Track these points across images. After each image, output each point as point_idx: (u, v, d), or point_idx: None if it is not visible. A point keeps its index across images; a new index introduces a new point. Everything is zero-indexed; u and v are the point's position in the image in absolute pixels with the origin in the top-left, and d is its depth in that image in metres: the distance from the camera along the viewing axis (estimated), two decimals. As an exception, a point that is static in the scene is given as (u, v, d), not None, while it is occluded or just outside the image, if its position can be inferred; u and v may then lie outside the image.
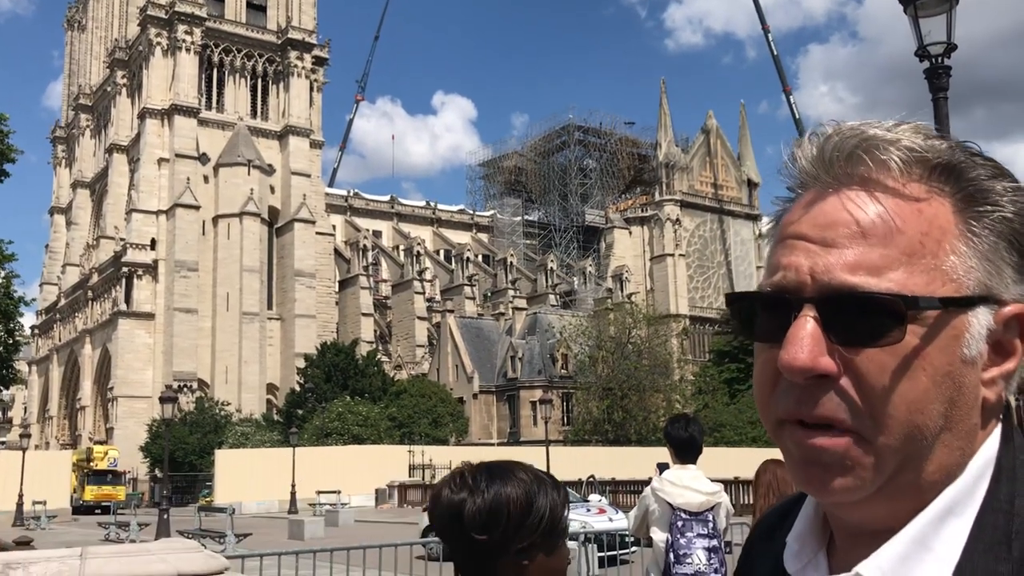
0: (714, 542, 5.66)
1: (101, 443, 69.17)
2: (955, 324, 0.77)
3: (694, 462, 5.87)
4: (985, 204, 0.78)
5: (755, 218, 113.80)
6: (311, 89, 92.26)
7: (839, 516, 0.83)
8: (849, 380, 0.76)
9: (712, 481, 5.89)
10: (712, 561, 5.58)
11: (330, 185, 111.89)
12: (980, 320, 0.77)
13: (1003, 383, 0.80)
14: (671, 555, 5.62)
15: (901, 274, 0.76)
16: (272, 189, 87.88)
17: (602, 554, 13.15)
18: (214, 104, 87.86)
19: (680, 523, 5.63)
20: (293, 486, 42.26)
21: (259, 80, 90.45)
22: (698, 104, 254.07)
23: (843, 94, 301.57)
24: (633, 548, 14.18)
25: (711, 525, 5.69)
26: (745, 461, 47.32)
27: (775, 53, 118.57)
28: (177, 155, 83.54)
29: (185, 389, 73.24)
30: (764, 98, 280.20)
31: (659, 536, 5.81)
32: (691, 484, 5.75)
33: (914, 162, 0.78)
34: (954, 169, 0.79)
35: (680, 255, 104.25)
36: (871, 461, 0.76)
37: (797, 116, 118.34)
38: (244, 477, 45.99)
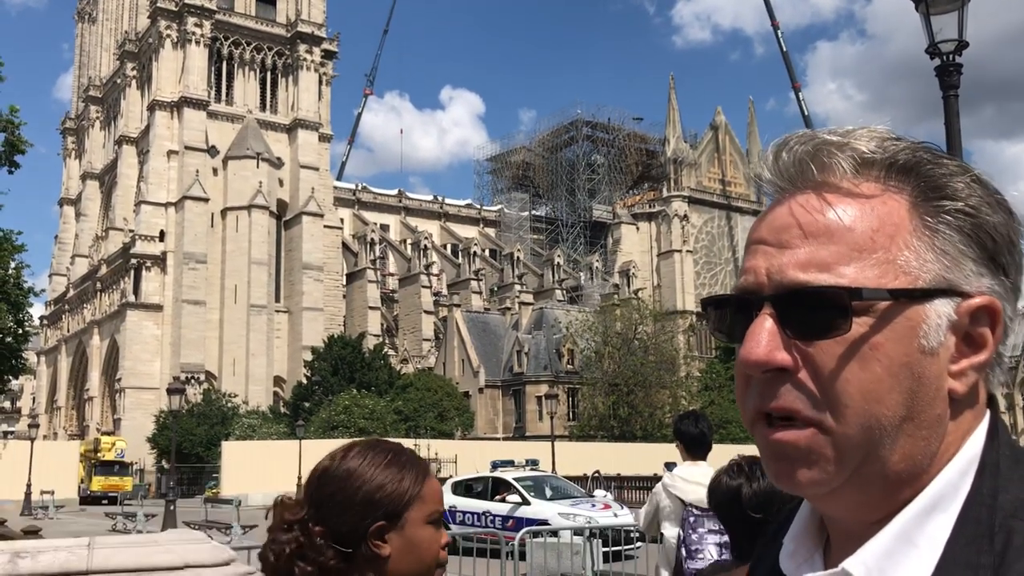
0: (725, 538, 5.40)
1: (109, 434, 69.41)
2: (909, 315, 0.78)
3: (704, 458, 5.90)
4: (941, 200, 0.80)
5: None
6: (320, 83, 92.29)
7: (825, 513, 0.85)
8: (806, 372, 0.79)
9: None
10: (724, 556, 5.50)
11: (338, 179, 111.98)
12: (940, 312, 0.79)
13: (975, 375, 0.81)
14: (683, 551, 5.63)
15: (852, 269, 0.78)
16: (281, 182, 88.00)
17: (607, 549, 13.18)
18: (223, 97, 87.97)
19: (692, 519, 5.65)
20: (299, 478, 42.33)
21: (268, 73, 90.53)
22: (706, 101, 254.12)
23: (851, 91, 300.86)
24: (638, 544, 14.19)
25: None
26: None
27: (784, 49, 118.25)
28: (186, 147, 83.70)
29: (192, 381, 73.45)
30: (772, 95, 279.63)
31: (670, 532, 5.86)
32: (702, 480, 5.55)
33: (865, 163, 0.81)
34: (910, 168, 0.81)
35: (687, 251, 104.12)
36: (832, 453, 0.78)
37: (806, 113, 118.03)
38: (250, 469, 46.13)
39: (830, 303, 0.78)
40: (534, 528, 13.05)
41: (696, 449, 5.86)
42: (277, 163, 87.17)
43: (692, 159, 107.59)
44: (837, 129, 0.84)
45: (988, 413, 0.83)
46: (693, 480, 5.75)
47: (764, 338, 0.80)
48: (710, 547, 5.58)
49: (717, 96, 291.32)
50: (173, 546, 5.32)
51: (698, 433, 5.85)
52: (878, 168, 0.81)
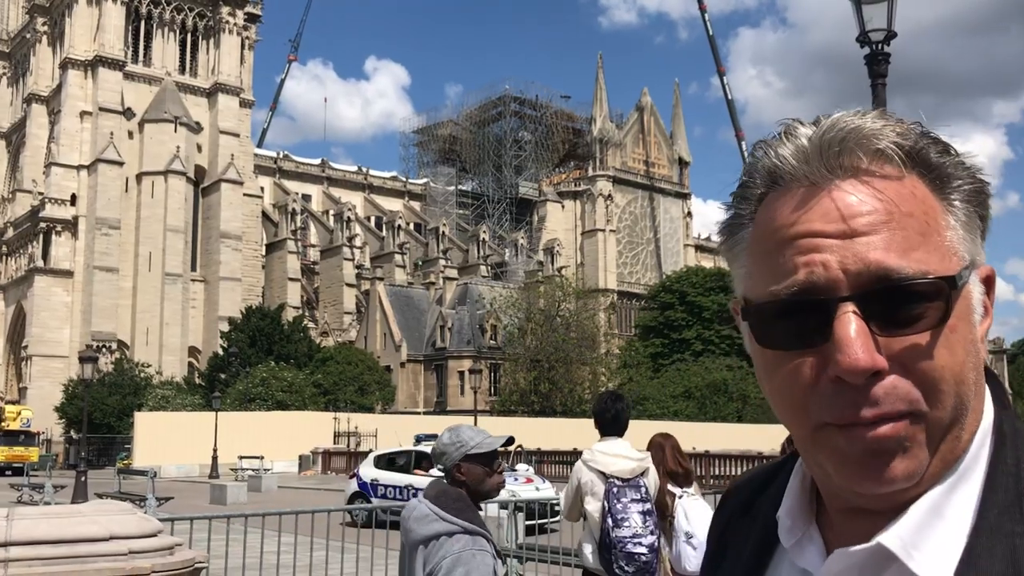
0: (647, 505, 5.95)
1: (13, 403, 67.27)
2: (966, 295, 0.79)
3: (620, 436, 6.12)
4: (954, 179, 0.81)
5: (685, 196, 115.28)
6: (242, 47, 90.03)
7: (867, 504, 0.81)
8: (898, 368, 0.77)
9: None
10: (648, 523, 5.86)
11: (259, 146, 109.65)
12: (977, 287, 0.81)
13: (984, 342, 0.83)
14: (608, 520, 5.84)
15: (922, 254, 0.77)
16: (199, 148, 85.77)
17: (529, 523, 13.30)
18: (141, 57, 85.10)
19: (615, 489, 5.87)
20: (215, 450, 41.72)
21: (188, 35, 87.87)
22: (631, 82, 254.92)
23: (771, 78, 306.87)
24: (558, 517, 14.37)
25: (643, 490, 5.97)
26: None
27: (711, 33, 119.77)
28: (101, 109, 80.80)
29: (104, 350, 71.49)
30: (694, 79, 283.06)
31: (593, 506, 6.02)
32: (622, 452, 6.01)
33: (895, 148, 0.80)
34: (921, 151, 0.81)
35: (611, 231, 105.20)
36: (926, 439, 0.77)
37: (730, 97, 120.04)
38: (164, 440, 45.25)
39: (926, 293, 0.76)
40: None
41: (611, 428, 6.09)
42: (196, 128, 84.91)
43: (618, 139, 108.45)
44: (851, 114, 0.81)
45: (988, 383, 0.85)
46: (612, 453, 5.98)
47: (862, 341, 0.76)
48: (634, 515, 5.83)
49: (642, 78, 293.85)
50: (98, 517, 5.17)
51: (614, 413, 6.08)
52: (896, 153, 0.80)
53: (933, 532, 0.78)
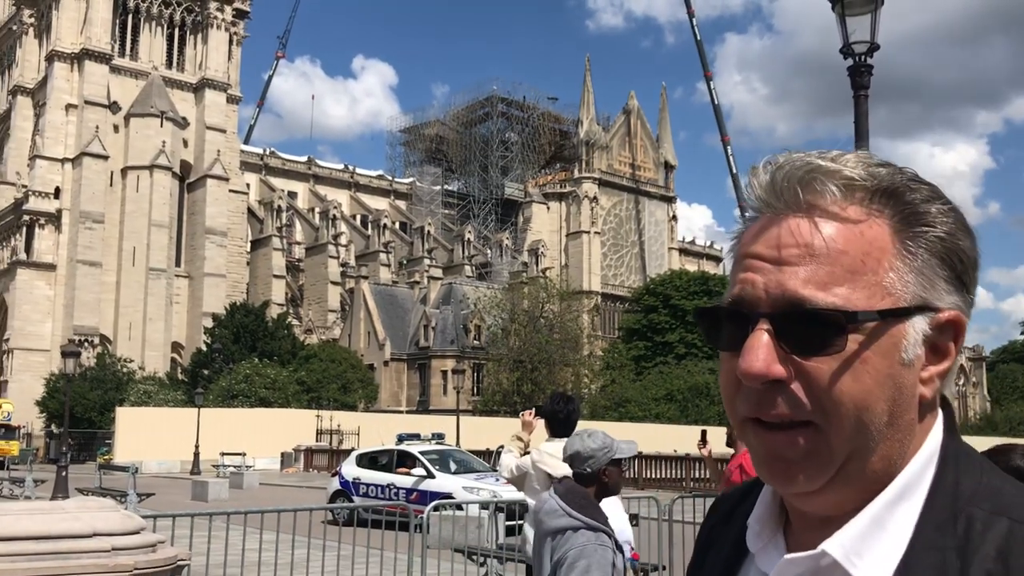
0: None
1: (-7, 396, 66.73)
2: (893, 332, 0.86)
3: (568, 436, 6.33)
4: (920, 225, 0.87)
5: (670, 200, 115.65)
6: (230, 42, 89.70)
7: (795, 505, 0.92)
8: (800, 384, 0.86)
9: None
10: None
11: (245, 142, 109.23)
12: (916, 328, 0.87)
13: (939, 381, 0.89)
14: None
15: (845, 289, 0.85)
16: (185, 143, 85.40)
17: (510, 523, 13.38)
18: (128, 51, 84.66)
19: None
20: (197, 447, 41.58)
21: (176, 29, 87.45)
22: (617, 86, 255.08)
23: (756, 84, 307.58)
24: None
25: None
26: (649, 437, 48.40)
27: (699, 38, 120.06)
28: (87, 102, 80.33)
29: (86, 344, 71.05)
30: (680, 84, 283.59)
31: (535, 504, 6.22)
32: None
33: (854, 188, 0.87)
34: (892, 193, 0.88)
35: (596, 233, 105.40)
36: (825, 455, 0.85)
37: (716, 103, 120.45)
38: (146, 436, 45.05)
39: (828, 322, 0.84)
40: (443, 501, 13.15)
41: (560, 428, 6.36)
42: (182, 123, 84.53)
43: (604, 142, 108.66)
44: (827, 153, 0.89)
45: (941, 411, 0.92)
46: (560, 456, 6.08)
47: (762, 352, 0.85)
48: None
49: (628, 81, 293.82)
50: (81, 513, 5.21)
51: (565, 415, 6.36)
52: (862, 192, 0.87)
53: (874, 543, 0.85)
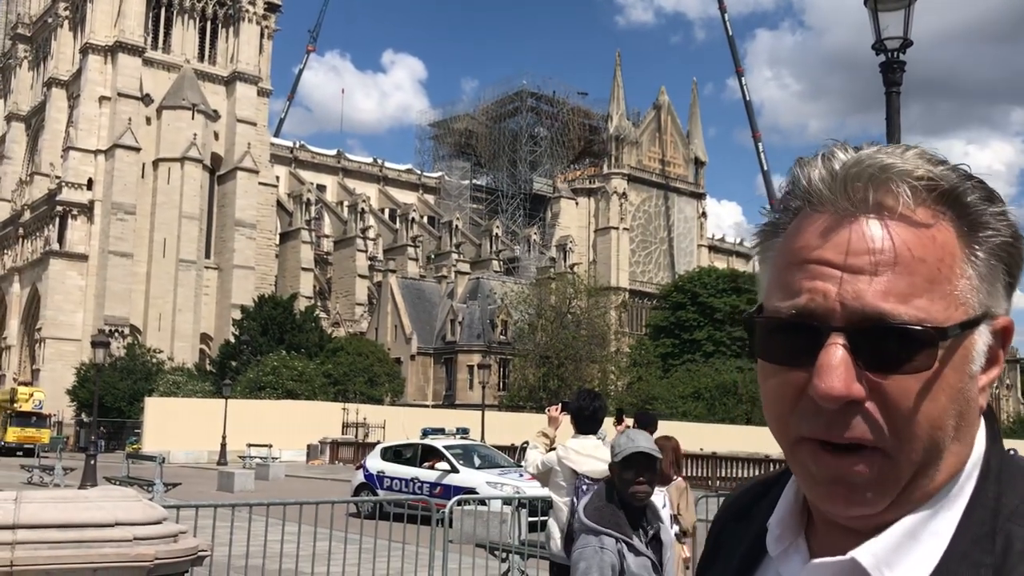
0: None
1: (26, 384, 67.69)
2: (966, 345, 0.81)
3: (594, 433, 6.47)
4: (986, 229, 0.82)
5: (700, 196, 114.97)
6: (261, 36, 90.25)
7: (836, 519, 0.85)
8: (875, 403, 0.79)
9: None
10: None
11: (276, 135, 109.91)
12: (983, 338, 0.82)
13: (989, 390, 0.85)
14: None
15: (925, 301, 0.79)
16: (216, 135, 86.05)
17: (532, 519, 13.34)
18: (160, 44, 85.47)
19: (584, 487, 6.16)
20: (224, 437, 41.91)
21: (208, 23, 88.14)
22: (646, 81, 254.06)
23: (788, 81, 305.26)
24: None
25: None
26: (676, 434, 48.18)
27: (730, 33, 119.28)
28: (119, 94, 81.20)
29: (117, 334, 71.89)
30: (710, 80, 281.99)
31: (560, 500, 6.44)
32: (594, 453, 6.32)
33: (925, 189, 0.81)
34: (956, 195, 0.82)
35: (624, 229, 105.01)
36: (893, 477, 0.80)
37: (748, 98, 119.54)
38: (173, 426, 45.46)
39: (916, 340, 0.78)
40: (466, 496, 13.15)
41: (587, 425, 6.42)
42: (213, 116, 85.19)
43: (634, 137, 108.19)
44: (889, 149, 0.83)
45: (984, 420, 0.87)
46: (585, 453, 6.31)
47: (841, 371, 0.78)
48: None
49: (657, 77, 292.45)
50: (103, 503, 5.24)
51: (591, 411, 6.39)
52: (928, 194, 0.82)
53: (906, 554, 0.81)
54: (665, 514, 6.47)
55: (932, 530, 0.82)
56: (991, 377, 0.84)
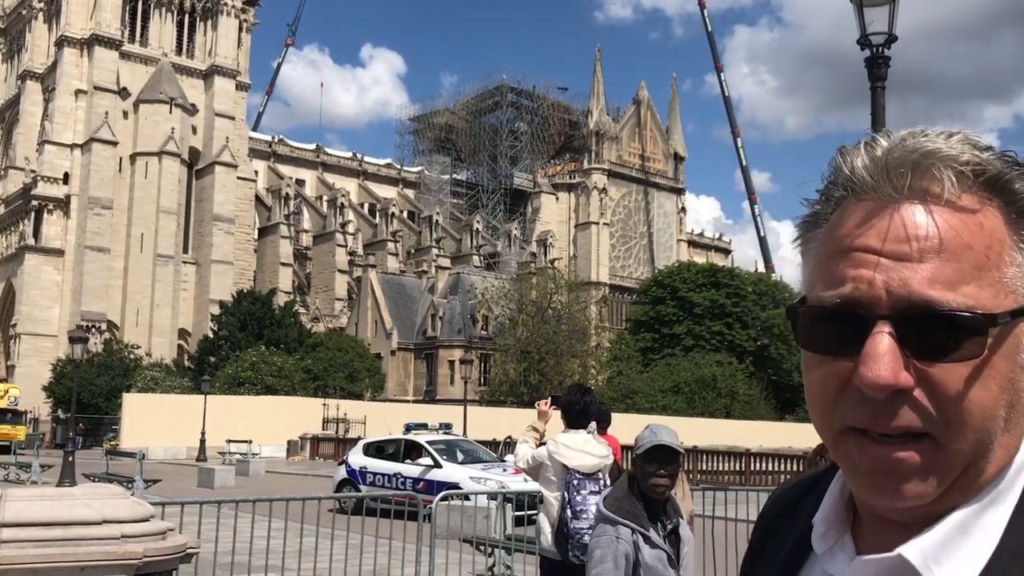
0: None
1: (1, 381, 66.97)
2: (1016, 333, 0.79)
3: (585, 428, 6.49)
4: None
5: (679, 191, 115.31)
6: (240, 29, 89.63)
7: (884, 513, 0.84)
8: (923, 392, 0.78)
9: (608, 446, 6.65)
10: None
11: (254, 130, 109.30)
12: None
13: None
14: (568, 511, 6.22)
15: (973, 288, 0.77)
16: (194, 129, 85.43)
17: (516, 513, 13.34)
18: (138, 37, 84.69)
19: (575, 482, 6.26)
20: (203, 434, 41.65)
21: (186, 16, 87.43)
22: (624, 77, 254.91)
23: (765, 77, 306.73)
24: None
25: (602, 482, 6.36)
26: (656, 429, 48.34)
27: (710, 29, 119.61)
28: (96, 88, 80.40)
29: (94, 330, 71.23)
30: (688, 76, 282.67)
31: (550, 495, 6.44)
32: (584, 448, 6.38)
33: (971, 175, 0.80)
34: (1003, 181, 0.80)
35: (604, 224, 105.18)
36: (943, 467, 0.79)
37: (727, 94, 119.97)
38: (152, 422, 45.14)
39: (964, 327, 0.77)
40: (451, 492, 13.12)
41: (578, 420, 6.46)
42: (191, 109, 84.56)
43: (614, 133, 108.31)
44: (933, 135, 0.82)
45: None
46: (575, 447, 6.35)
47: (889, 359, 0.77)
48: (592, 507, 6.09)
49: (636, 74, 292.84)
50: (90, 500, 5.17)
51: (582, 406, 6.45)
52: (974, 180, 0.80)
53: (956, 550, 0.79)
54: None
55: (982, 526, 0.80)
56: None
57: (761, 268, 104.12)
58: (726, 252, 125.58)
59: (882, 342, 0.77)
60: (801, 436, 37.32)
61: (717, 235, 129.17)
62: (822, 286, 0.83)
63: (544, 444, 6.68)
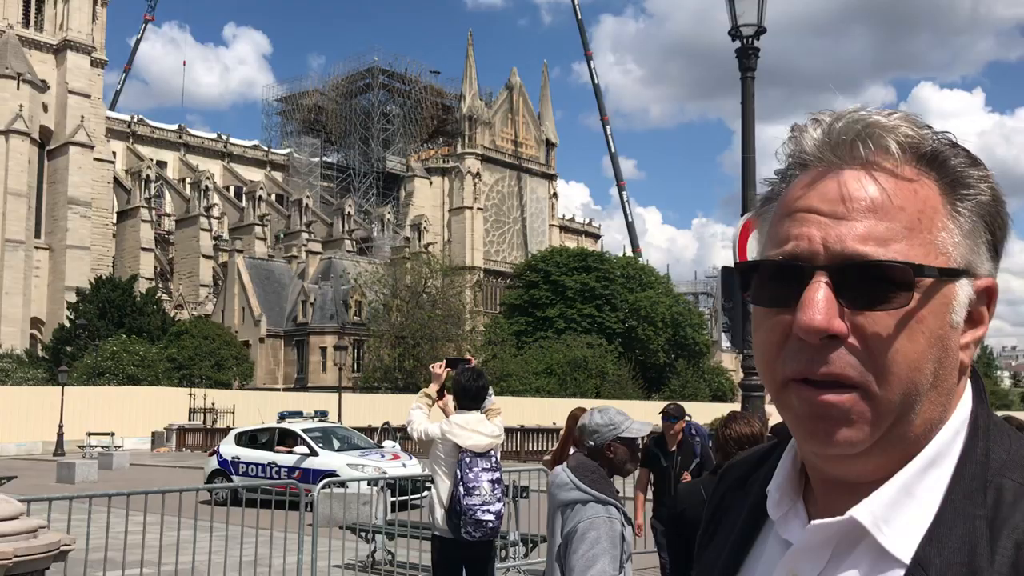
0: (496, 474, 6.54)
1: None
2: (945, 292, 0.85)
3: (478, 409, 6.64)
4: (967, 188, 0.87)
5: (551, 177, 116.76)
6: (95, 3, 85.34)
7: (827, 469, 0.90)
8: (856, 340, 0.84)
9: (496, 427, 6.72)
10: (496, 491, 6.45)
11: (111, 109, 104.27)
12: (964, 291, 0.86)
13: (974, 348, 0.89)
14: (460, 489, 6.37)
15: (903, 246, 0.84)
16: (45, 107, 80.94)
17: (394, 499, 13.31)
18: (-20, 7, 79.42)
19: (468, 459, 6.42)
20: (60, 427, 39.77)
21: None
22: (496, 64, 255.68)
23: (630, 66, 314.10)
24: (425, 493, 14.43)
25: (494, 460, 6.57)
26: (530, 409, 49.03)
27: (579, 17, 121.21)
28: (-67, 60, 75.06)
29: (-65, 320, 66.81)
30: (556, 64, 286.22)
31: (442, 472, 6.55)
32: (477, 428, 6.53)
33: (908, 148, 0.86)
34: (939, 156, 0.87)
35: (478, 208, 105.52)
36: (872, 415, 0.84)
37: (596, 82, 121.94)
38: (3, 417, 42.80)
39: (892, 277, 0.83)
40: (332, 480, 12.96)
41: (471, 401, 6.62)
42: (42, 86, 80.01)
43: (487, 118, 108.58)
44: (880, 111, 0.88)
45: (970, 380, 0.92)
46: (469, 427, 6.50)
47: (823, 305, 0.83)
48: (484, 484, 6.39)
49: (507, 60, 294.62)
50: (-47, 499, 4.86)
51: (476, 388, 6.62)
52: (914, 153, 0.86)
53: (903, 510, 0.85)
54: None
55: (926, 486, 0.85)
56: (975, 336, 0.88)
57: (629, 252, 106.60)
58: (596, 237, 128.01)
59: (818, 291, 0.83)
60: (670, 415, 38.55)
61: (587, 220, 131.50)
62: (770, 246, 0.90)
63: (436, 405, 6.79)
